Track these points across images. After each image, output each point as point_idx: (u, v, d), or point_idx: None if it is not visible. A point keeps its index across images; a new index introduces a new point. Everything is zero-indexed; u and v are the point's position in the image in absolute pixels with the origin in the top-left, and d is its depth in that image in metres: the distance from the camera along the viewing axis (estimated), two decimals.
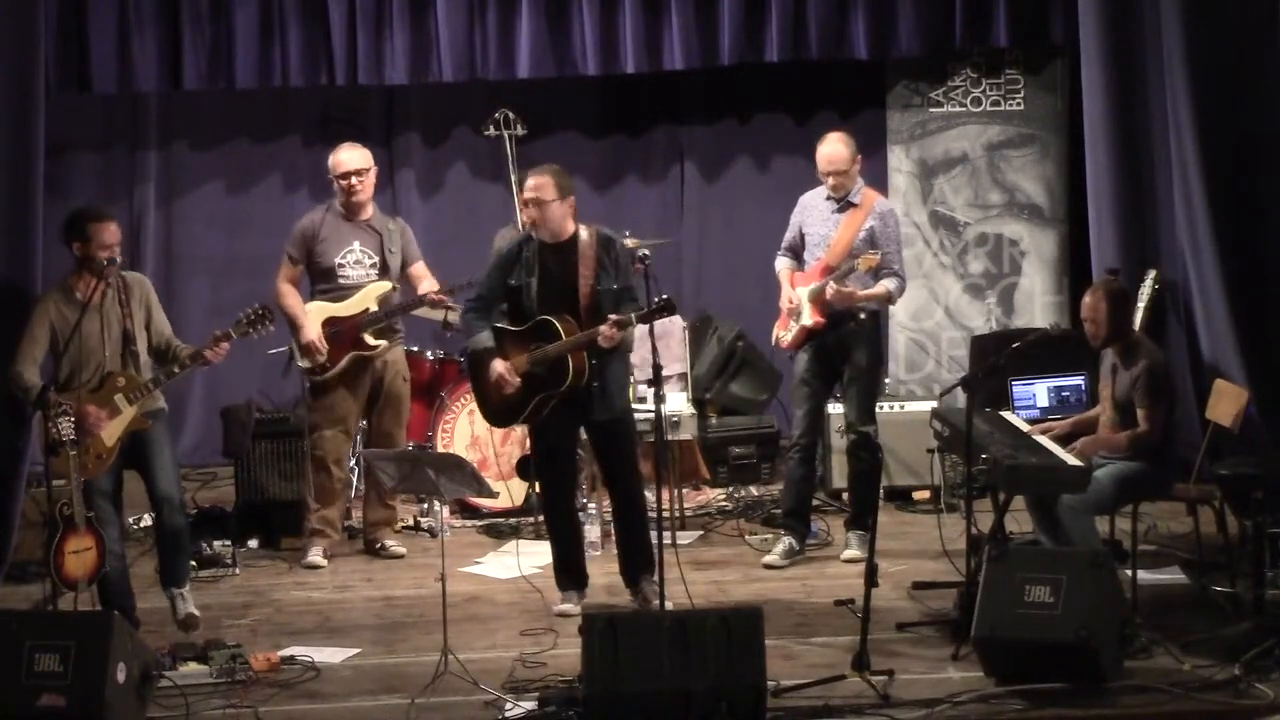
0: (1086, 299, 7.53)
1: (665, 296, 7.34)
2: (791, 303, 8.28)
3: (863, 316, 8.19)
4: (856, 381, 8.25)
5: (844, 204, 8.26)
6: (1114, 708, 6.33)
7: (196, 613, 7.45)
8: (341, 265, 8.48)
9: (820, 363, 8.28)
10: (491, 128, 9.50)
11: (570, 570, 7.69)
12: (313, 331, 8.35)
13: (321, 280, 8.52)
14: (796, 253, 8.41)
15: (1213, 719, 6.28)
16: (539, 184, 7.44)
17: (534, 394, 7.47)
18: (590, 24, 9.71)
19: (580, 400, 7.46)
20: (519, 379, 7.45)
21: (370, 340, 8.47)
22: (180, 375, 7.49)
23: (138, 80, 9.56)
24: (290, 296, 8.49)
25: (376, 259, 8.51)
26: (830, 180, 8.24)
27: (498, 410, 7.67)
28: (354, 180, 8.47)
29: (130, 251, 9.78)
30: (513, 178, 9.26)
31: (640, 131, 11.00)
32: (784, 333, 8.36)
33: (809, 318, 8.20)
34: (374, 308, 8.49)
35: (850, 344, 8.20)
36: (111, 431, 7.24)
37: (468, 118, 10.37)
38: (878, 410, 9.15)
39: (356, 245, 8.51)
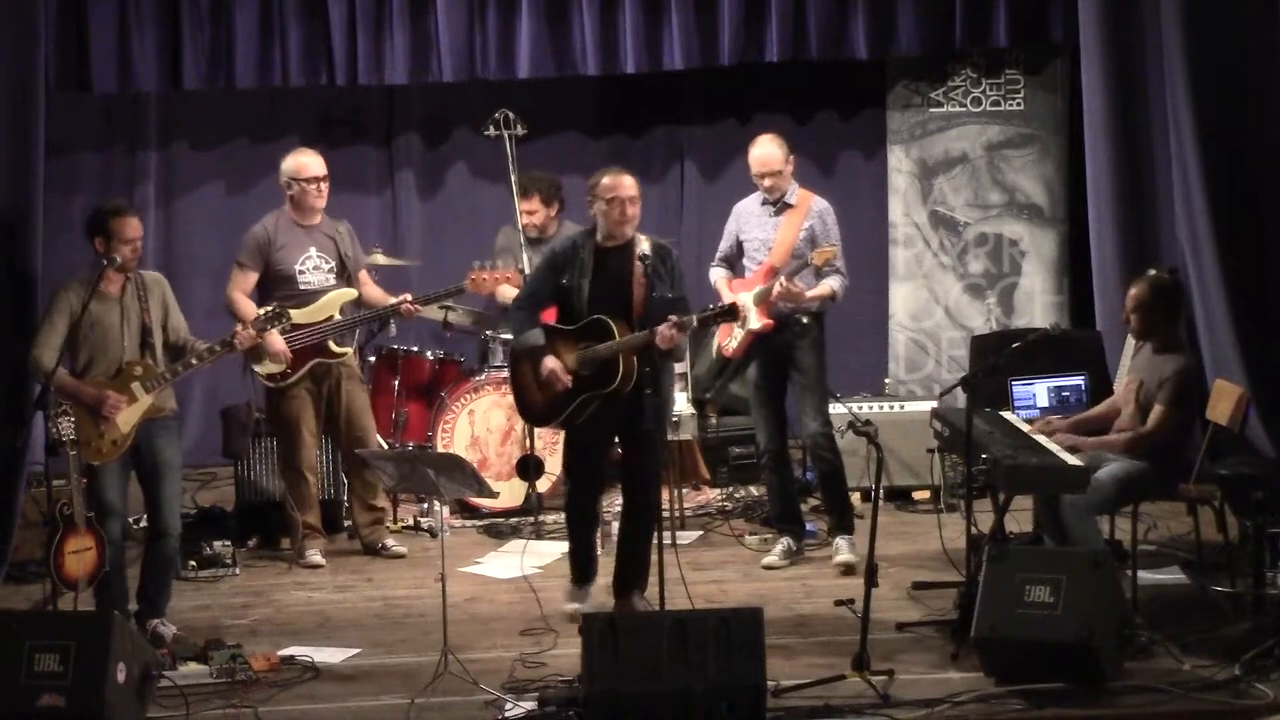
0: (1131, 290, 7.48)
1: (730, 303, 7.32)
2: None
3: (805, 320, 8.16)
4: (808, 390, 8.20)
5: (781, 206, 8.25)
6: (1114, 708, 6.33)
7: (176, 631, 7.36)
8: (302, 272, 8.45)
9: (770, 366, 8.25)
10: (491, 128, 9.47)
11: (586, 572, 7.61)
12: (279, 339, 8.25)
13: (282, 287, 8.43)
14: (731, 263, 8.39)
15: (1213, 719, 6.28)
16: (635, 183, 7.40)
17: (578, 394, 7.36)
18: (590, 24, 9.70)
19: (627, 407, 7.29)
20: (570, 377, 7.38)
21: (334, 347, 8.45)
22: (205, 364, 7.47)
23: (138, 80, 9.56)
24: (244, 304, 8.39)
25: (334, 262, 8.49)
26: (765, 182, 8.22)
27: (539, 408, 7.53)
28: (320, 185, 8.47)
29: None
30: (513, 178, 9.24)
31: (640, 131, 10.98)
32: (728, 340, 8.33)
33: (757, 321, 8.14)
34: (337, 315, 8.47)
35: (797, 348, 8.17)
36: (127, 418, 7.23)
37: (468, 118, 10.34)
38: (878, 410, 9.14)
39: (313, 250, 8.48)
